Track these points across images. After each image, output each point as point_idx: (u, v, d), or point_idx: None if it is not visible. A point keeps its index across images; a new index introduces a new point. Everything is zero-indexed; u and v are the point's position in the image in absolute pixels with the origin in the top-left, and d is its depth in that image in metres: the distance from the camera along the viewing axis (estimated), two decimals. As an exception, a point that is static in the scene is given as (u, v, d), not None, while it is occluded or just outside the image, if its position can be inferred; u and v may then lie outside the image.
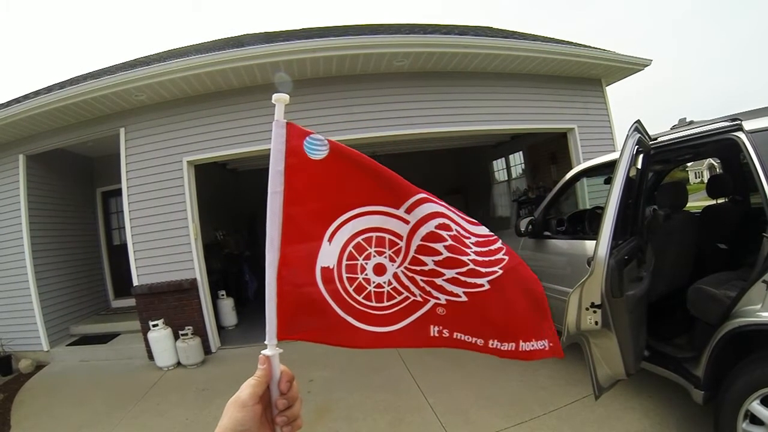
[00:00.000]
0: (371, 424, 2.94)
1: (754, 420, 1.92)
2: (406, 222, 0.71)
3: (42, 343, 5.19)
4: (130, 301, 5.48)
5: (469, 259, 0.74)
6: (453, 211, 0.76)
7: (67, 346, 5.39)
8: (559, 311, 2.20)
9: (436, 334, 0.75)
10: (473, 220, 0.80)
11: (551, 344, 0.77)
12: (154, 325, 4.64)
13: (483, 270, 0.74)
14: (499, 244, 0.78)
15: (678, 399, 2.63)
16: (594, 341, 2.19)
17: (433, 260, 0.73)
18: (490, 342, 0.75)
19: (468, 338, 0.75)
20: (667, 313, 2.90)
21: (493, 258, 0.76)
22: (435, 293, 0.73)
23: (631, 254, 2.39)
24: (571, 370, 3.31)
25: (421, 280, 0.73)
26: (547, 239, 3.66)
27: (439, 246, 0.72)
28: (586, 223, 3.89)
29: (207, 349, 4.88)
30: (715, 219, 3.16)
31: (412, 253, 0.72)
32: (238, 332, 5.73)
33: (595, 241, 2.12)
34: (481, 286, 0.74)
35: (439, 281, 0.73)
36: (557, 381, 3.19)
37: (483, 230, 0.79)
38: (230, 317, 5.85)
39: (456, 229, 0.74)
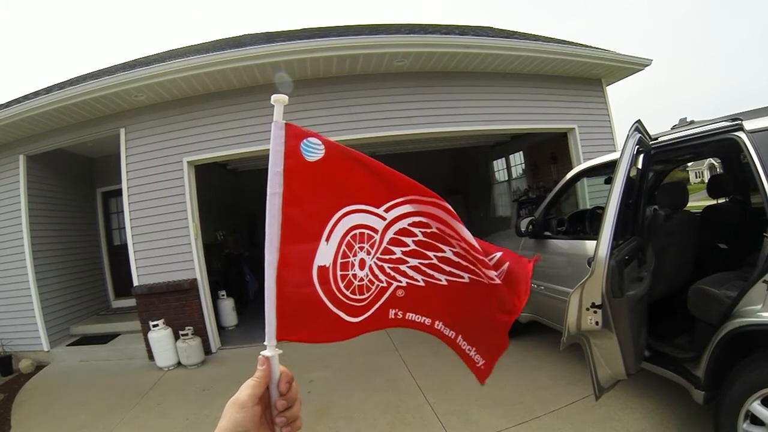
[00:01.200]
0: (371, 425, 2.94)
1: (755, 420, 1.91)
2: (383, 219, 0.78)
3: (42, 344, 5.19)
4: (131, 302, 5.49)
5: (434, 255, 0.83)
6: (447, 215, 0.82)
7: (67, 346, 5.39)
8: (559, 311, 2.20)
9: (393, 316, 0.83)
10: (470, 238, 0.86)
11: (483, 367, 0.90)
12: (154, 326, 4.64)
13: (446, 268, 0.84)
14: (482, 267, 0.85)
15: (678, 399, 2.62)
16: (594, 341, 2.19)
17: (401, 250, 0.81)
18: (436, 323, 0.86)
19: (417, 318, 0.85)
20: (667, 313, 2.90)
21: (466, 265, 0.85)
22: (398, 277, 0.81)
23: (632, 254, 2.39)
24: (571, 370, 3.31)
25: (389, 267, 0.80)
26: (548, 239, 3.66)
27: (408, 240, 0.81)
28: (586, 223, 3.89)
29: (207, 350, 4.88)
30: (716, 219, 3.15)
31: (384, 244, 0.79)
32: (238, 332, 5.73)
33: (595, 241, 2.12)
34: (439, 280, 0.84)
35: (403, 267, 0.81)
36: (558, 381, 3.19)
37: (477, 243, 0.85)
38: (230, 317, 5.85)
39: (437, 228, 0.82)
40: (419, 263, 0.82)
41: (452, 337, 0.87)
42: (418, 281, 0.83)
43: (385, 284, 0.80)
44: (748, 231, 2.99)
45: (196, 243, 4.91)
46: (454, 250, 0.84)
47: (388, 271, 0.81)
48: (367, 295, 0.78)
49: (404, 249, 0.80)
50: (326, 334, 0.74)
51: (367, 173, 0.75)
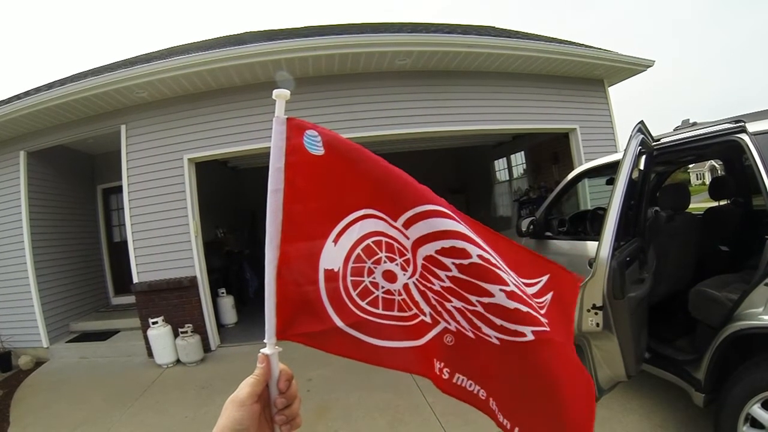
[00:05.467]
0: (370, 424, 2.93)
1: (755, 423, 1.91)
2: (406, 237, 0.65)
3: (42, 340, 5.19)
4: (130, 299, 5.48)
5: (478, 300, 0.64)
6: (475, 234, 0.65)
7: (66, 342, 5.39)
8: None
9: (438, 372, 0.66)
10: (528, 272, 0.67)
11: None
12: (153, 323, 4.64)
13: (496, 321, 0.64)
14: (541, 301, 0.66)
15: (679, 401, 2.62)
16: (595, 343, 2.19)
17: (439, 284, 0.65)
18: (491, 402, 0.66)
19: (468, 384, 0.67)
20: (668, 315, 2.89)
21: (527, 312, 0.63)
22: (445, 315, 0.66)
23: (633, 256, 2.38)
24: (571, 371, 3.30)
25: (433, 297, 0.66)
26: (549, 240, 3.66)
27: (441, 273, 0.64)
28: (587, 224, 3.88)
29: (206, 347, 4.88)
30: (718, 221, 3.15)
31: (419, 269, 0.65)
32: (237, 330, 5.72)
33: (596, 242, 2.11)
34: (488, 336, 0.64)
35: (448, 306, 0.65)
36: (557, 382, 3.18)
37: (535, 284, 0.67)
38: (230, 315, 5.85)
39: (479, 256, 0.63)
40: (463, 307, 0.64)
41: (507, 427, 0.67)
42: (467, 331, 0.64)
43: (429, 319, 0.65)
44: (749, 233, 2.98)
45: (196, 240, 4.91)
46: (508, 289, 0.62)
47: (433, 303, 0.65)
48: (398, 314, 0.65)
49: (441, 284, 0.64)
50: (330, 345, 0.65)
51: (374, 170, 0.65)
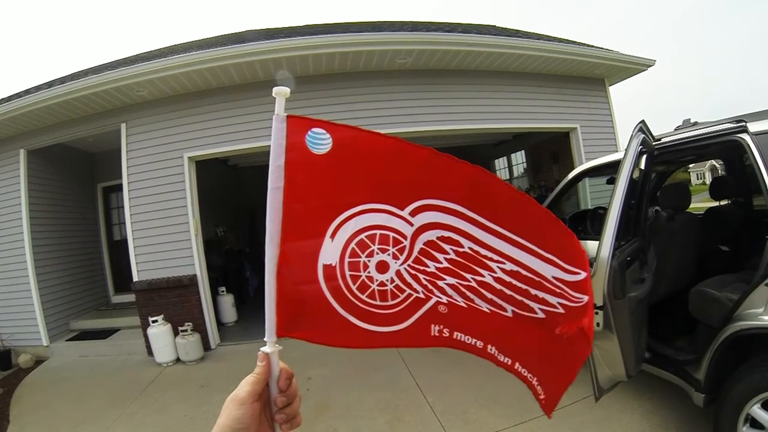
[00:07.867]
0: (370, 423, 2.93)
1: (755, 424, 1.91)
2: (410, 224, 0.70)
3: (42, 338, 5.19)
4: (130, 297, 5.48)
5: (472, 277, 0.72)
6: (480, 230, 0.71)
7: (66, 341, 5.39)
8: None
9: (437, 334, 0.75)
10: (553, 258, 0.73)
11: (545, 399, 0.83)
12: (153, 321, 4.64)
13: (487, 295, 0.72)
14: (536, 294, 0.72)
15: (678, 401, 2.61)
16: (595, 343, 2.18)
17: (435, 265, 0.72)
18: (489, 347, 0.76)
19: (467, 338, 0.76)
20: (668, 314, 2.89)
21: (511, 294, 0.72)
22: (437, 292, 0.73)
23: (634, 255, 2.38)
24: (570, 370, 3.30)
25: (424, 278, 0.72)
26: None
27: (440, 256, 0.71)
28: (588, 224, 3.88)
29: (206, 346, 4.88)
30: (718, 221, 3.15)
31: (415, 253, 0.71)
32: (237, 329, 5.72)
33: (596, 242, 2.11)
34: (480, 306, 0.74)
35: (440, 283, 0.73)
36: (557, 381, 3.18)
37: (552, 270, 0.72)
38: (230, 314, 5.85)
39: (470, 248, 0.71)
40: (457, 283, 0.72)
41: (508, 363, 0.77)
42: (459, 302, 0.73)
43: (422, 295, 0.72)
44: (749, 233, 2.98)
45: (196, 239, 4.91)
46: (495, 275, 0.71)
47: (425, 282, 0.72)
48: (393, 302, 0.71)
49: (438, 265, 0.71)
50: (332, 337, 0.69)
51: (388, 166, 0.68)
